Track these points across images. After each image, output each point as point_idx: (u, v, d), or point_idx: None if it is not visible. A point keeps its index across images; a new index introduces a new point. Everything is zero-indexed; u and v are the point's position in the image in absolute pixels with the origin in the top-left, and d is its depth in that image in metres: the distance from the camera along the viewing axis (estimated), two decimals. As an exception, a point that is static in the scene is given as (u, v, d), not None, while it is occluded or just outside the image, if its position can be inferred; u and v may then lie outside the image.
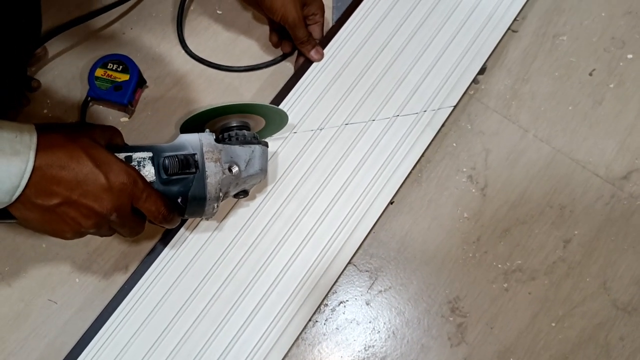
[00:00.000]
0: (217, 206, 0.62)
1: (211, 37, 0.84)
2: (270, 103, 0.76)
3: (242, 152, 0.63)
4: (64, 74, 0.81)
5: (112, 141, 0.59)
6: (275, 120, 0.71)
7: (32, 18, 0.65)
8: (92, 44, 0.83)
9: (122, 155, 0.57)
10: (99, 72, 0.78)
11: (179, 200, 0.59)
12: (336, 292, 0.72)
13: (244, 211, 0.70)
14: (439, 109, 0.75)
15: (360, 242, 0.70)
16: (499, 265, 0.73)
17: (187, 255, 0.68)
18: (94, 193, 0.52)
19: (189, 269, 0.67)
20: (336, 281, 0.71)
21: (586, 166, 0.78)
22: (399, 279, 0.72)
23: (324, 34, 0.80)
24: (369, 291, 0.72)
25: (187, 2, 0.85)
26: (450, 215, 0.75)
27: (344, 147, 0.73)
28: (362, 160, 0.72)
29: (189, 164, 0.58)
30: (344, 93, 0.76)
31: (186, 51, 0.83)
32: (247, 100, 0.78)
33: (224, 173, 0.60)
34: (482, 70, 0.81)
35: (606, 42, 0.84)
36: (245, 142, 0.64)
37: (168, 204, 0.58)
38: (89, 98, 0.78)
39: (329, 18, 0.85)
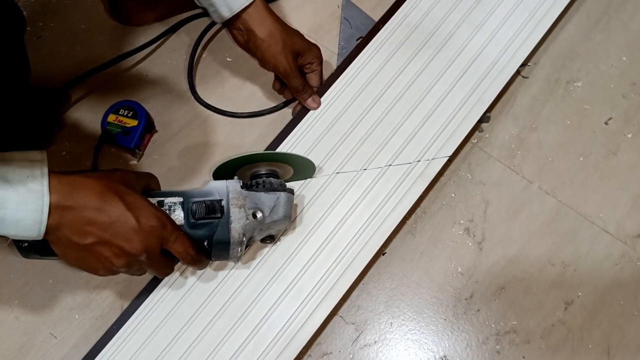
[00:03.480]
0: (242, 250, 0.64)
1: (219, 83, 0.87)
2: (266, 150, 0.77)
3: (267, 199, 0.65)
4: (83, 118, 0.86)
5: (148, 186, 0.64)
6: (302, 168, 0.72)
7: (19, 63, 0.69)
8: (111, 90, 0.88)
9: (155, 200, 0.62)
10: (111, 118, 0.82)
11: (205, 243, 0.62)
12: (320, 344, 0.71)
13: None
14: (433, 159, 0.73)
15: (343, 294, 0.69)
16: (492, 325, 0.69)
17: (171, 300, 0.69)
18: (124, 234, 0.56)
19: (172, 315, 0.68)
20: (321, 332, 0.70)
21: (595, 221, 0.73)
22: (386, 333, 0.71)
23: (323, 81, 0.80)
24: (354, 344, 0.70)
25: (199, 50, 0.88)
26: (443, 269, 0.73)
27: (333, 196, 0.73)
28: (350, 210, 0.72)
29: (215, 209, 0.62)
30: (338, 141, 0.76)
31: (195, 97, 0.86)
32: (277, 150, 0.78)
33: (247, 219, 0.63)
34: (486, 119, 0.78)
35: (625, 88, 0.79)
36: (271, 189, 0.67)
37: (196, 246, 0.61)
38: (102, 142, 0.82)
39: (333, 64, 0.85)
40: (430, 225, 0.75)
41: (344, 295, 0.69)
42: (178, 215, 0.62)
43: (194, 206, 0.61)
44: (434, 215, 0.75)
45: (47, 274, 0.76)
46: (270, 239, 0.69)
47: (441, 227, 0.74)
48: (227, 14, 0.71)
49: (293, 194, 0.69)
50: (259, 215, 0.64)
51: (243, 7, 0.70)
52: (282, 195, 0.66)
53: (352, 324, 0.71)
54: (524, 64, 0.81)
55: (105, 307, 0.74)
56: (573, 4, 0.84)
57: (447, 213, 0.75)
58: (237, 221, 0.62)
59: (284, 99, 0.83)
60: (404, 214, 0.71)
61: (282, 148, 0.76)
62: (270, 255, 0.70)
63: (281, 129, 0.80)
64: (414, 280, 0.72)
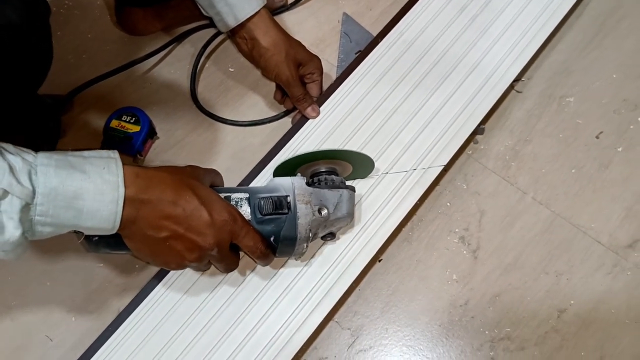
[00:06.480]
0: (307, 246, 0.65)
1: (222, 93, 0.89)
2: (265, 157, 0.79)
3: (331, 195, 0.66)
4: (87, 124, 0.88)
5: (214, 183, 0.65)
6: (361, 165, 0.73)
7: (44, 47, 0.71)
8: (115, 98, 0.89)
9: (222, 195, 0.61)
10: (114, 124, 0.84)
11: (272, 239, 0.63)
12: (317, 348, 0.71)
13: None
14: (429, 167, 0.75)
15: (338, 299, 0.69)
16: (486, 332, 0.70)
17: (168, 303, 0.69)
18: (198, 228, 0.56)
19: (168, 317, 0.69)
20: (317, 337, 0.71)
21: (588, 232, 0.74)
22: (381, 339, 0.71)
23: (323, 91, 0.82)
24: (350, 349, 0.71)
25: (202, 60, 0.90)
26: (439, 276, 0.73)
27: (331, 203, 0.74)
28: (348, 217, 0.73)
29: (282, 205, 0.62)
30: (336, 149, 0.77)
31: (197, 106, 0.87)
32: (336, 147, 0.79)
33: (314, 215, 0.63)
34: (481, 131, 0.80)
35: (617, 104, 0.82)
36: (334, 186, 0.67)
37: (264, 241, 0.62)
38: (104, 147, 0.84)
39: (333, 75, 0.87)
40: (426, 233, 0.76)
41: (340, 301, 0.70)
42: (245, 211, 0.62)
43: (262, 202, 0.61)
44: (430, 224, 0.76)
45: (46, 277, 0.77)
46: (331, 236, 0.69)
47: (437, 236, 0.76)
48: (232, 22, 0.73)
49: (354, 192, 0.70)
50: (324, 211, 0.64)
51: (248, 16, 0.73)
52: (345, 192, 0.67)
53: (348, 329, 0.72)
54: (517, 79, 0.83)
55: (103, 310, 0.75)
56: (566, 22, 0.87)
57: (443, 222, 0.76)
58: (304, 217, 0.62)
59: (285, 109, 0.85)
60: (400, 221, 0.73)
61: (281, 155, 0.78)
62: (267, 259, 0.71)
63: (281, 137, 0.81)
64: (409, 287, 0.73)
